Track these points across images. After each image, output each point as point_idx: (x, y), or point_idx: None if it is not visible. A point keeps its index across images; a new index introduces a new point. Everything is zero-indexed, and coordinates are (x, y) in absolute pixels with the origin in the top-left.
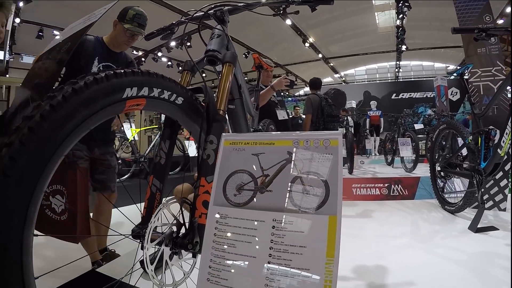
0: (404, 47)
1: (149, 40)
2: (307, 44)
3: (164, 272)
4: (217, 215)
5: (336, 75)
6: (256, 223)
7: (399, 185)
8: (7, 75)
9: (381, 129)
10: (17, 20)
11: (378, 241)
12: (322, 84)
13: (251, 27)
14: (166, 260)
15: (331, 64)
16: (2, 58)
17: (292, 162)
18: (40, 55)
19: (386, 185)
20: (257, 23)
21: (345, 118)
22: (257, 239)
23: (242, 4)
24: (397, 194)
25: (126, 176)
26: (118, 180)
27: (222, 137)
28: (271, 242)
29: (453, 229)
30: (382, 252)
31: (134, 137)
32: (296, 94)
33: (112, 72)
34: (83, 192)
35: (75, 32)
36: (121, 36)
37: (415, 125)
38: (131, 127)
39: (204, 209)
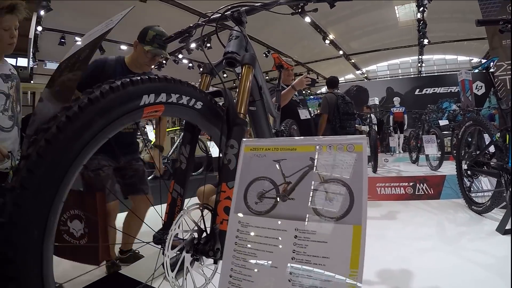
0: (426, 41)
1: (168, 43)
2: (327, 41)
3: (185, 278)
4: (238, 224)
5: (358, 72)
6: (277, 232)
7: (424, 184)
8: (32, 81)
9: (405, 126)
10: (39, 28)
11: (402, 243)
12: (345, 81)
13: (271, 26)
14: (187, 266)
15: (353, 61)
16: (26, 65)
17: (315, 168)
18: (61, 62)
19: (411, 184)
20: (277, 22)
21: (368, 115)
22: (278, 248)
23: (259, 4)
24: (422, 193)
25: (149, 178)
26: None
27: (242, 142)
28: (293, 252)
29: (480, 231)
30: (406, 255)
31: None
32: (318, 92)
33: (128, 80)
34: (102, 215)
35: (93, 39)
36: (142, 57)
37: (439, 121)
38: (153, 129)
39: (225, 215)
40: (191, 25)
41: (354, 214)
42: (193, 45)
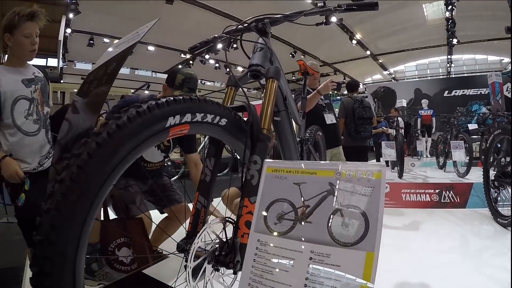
0: (455, 41)
1: (193, 53)
2: (354, 41)
3: (205, 287)
4: (258, 242)
5: (386, 72)
6: (294, 252)
7: (451, 192)
8: (62, 81)
9: (433, 129)
10: (68, 30)
11: (424, 256)
12: (372, 82)
13: (296, 26)
14: (207, 276)
15: (380, 61)
16: (56, 65)
17: (333, 194)
18: (89, 73)
19: (437, 191)
20: (304, 22)
21: (395, 118)
22: (294, 268)
23: (282, 15)
24: (448, 201)
25: (175, 177)
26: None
27: (265, 163)
28: (307, 273)
29: (505, 246)
30: (427, 269)
31: None
32: (345, 93)
33: (154, 103)
34: (146, 238)
35: (120, 53)
36: None
37: (468, 125)
38: None
39: (246, 229)
40: (216, 35)
41: (368, 241)
42: (219, 46)
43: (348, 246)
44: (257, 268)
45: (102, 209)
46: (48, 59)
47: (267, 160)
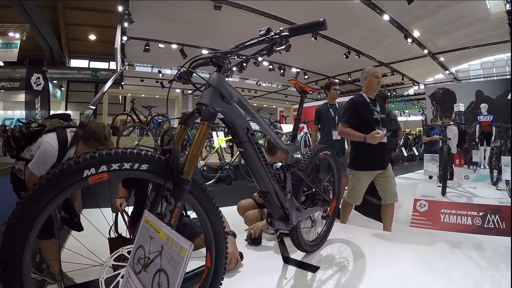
0: None
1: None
2: (409, 40)
3: None
4: (128, 274)
5: (447, 72)
6: None
7: (497, 216)
8: (122, 83)
9: (493, 137)
10: (124, 38)
11: None
12: (434, 82)
13: (351, 25)
14: None
15: (441, 59)
16: (115, 68)
17: (161, 255)
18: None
19: (481, 214)
20: (356, 21)
21: (445, 127)
22: None
23: (233, 48)
24: (492, 227)
25: (211, 181)
26: None
27: (144, 214)
28: None
29: None
30: None
31: (220, 146)
32: (405, 93)
33: (71, 162)
34: None
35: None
36: None
37: None
38: (218, 136)
39: None
40: (179, 67)
41: None
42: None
43: None
44: None
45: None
46: (110, 62)
47: (147, 211)
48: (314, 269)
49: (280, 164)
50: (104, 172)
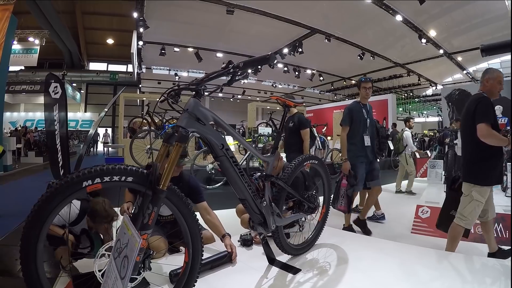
0: None
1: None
2: (423, 40)
3: None
4: (111, 259)
5: (464, 72)
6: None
7: (500, 225)
8: (140, 85)
9: None
10: (140, 43)
11: None
12: (453, 82)
13: (365, 27)
14: None
15: (459, 59)
16: (132, 71)
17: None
18: None
19: None
20: (370, 22)
21: (452, 132)
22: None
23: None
24: (495, 235)
25: (219, 184)
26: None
27: (124, 216)
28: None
29: None
30: None
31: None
32: (423, 94)
33: (74, 175)
34: None
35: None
36: None
37: None
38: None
39: None
40: (165, 92)
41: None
42: (285, 50)
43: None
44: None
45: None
46: (128, 65)
47: (125, 215)
48: (295, 271)
49: (259, 174)
50: (98, 183)
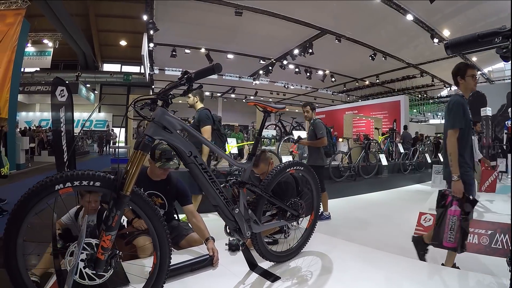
0: None
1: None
2: (435, 40)
3: None
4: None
5: (479, 72)
6: None
7: (506, 236)
8: (153, 86)
9: None
10: (151, 45)
11: None
12: None
13: (377, 27)
14: None
15: (473, 59)
16: (143, 71)
17: None
18: None
19: (489, 232)
20: (382, 22)
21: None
22: None
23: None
24: (500, 247)
25: (222, 185)
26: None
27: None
28: None
29: None
30: None
31: (229, 152)
32: (437, 95)
33: (47, 179)
34: None
35: None
36: (156, 170)
37: None
38: (227, 143)
39: (101, 249)
40: (129, 104)
41: None
42: (296, 51)
43: None
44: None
45: None
46: (141, 66)
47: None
48: (274, 279)
49: (233, 180)
50: (69, 187)
